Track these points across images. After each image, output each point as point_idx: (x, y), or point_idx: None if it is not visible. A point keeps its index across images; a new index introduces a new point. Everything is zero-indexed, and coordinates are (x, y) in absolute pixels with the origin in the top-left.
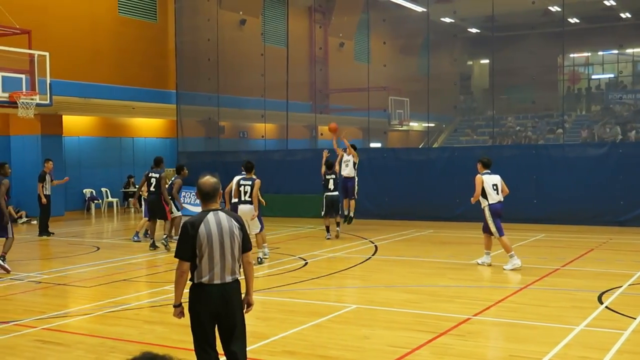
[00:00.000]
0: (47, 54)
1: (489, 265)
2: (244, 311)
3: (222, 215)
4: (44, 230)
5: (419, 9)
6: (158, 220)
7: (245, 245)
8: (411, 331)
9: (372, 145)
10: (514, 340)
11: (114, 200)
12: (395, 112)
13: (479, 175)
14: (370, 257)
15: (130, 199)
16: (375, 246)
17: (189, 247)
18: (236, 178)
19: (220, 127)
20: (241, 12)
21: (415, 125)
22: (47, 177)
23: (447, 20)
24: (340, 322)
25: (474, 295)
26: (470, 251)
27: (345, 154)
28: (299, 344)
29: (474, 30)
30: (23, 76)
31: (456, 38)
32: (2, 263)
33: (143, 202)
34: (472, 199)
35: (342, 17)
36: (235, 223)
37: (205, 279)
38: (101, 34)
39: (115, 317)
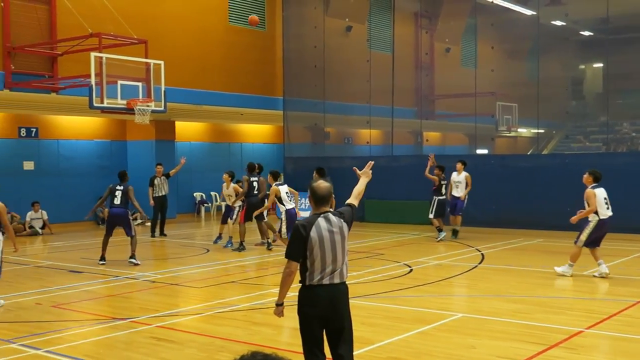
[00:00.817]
0: (162, 62)
1: (607, 275)
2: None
3: (332, 217)
4: (153, 232)
5: (529, 12)
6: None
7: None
8: (519, 342)
9: (479, 151)
10: (629, 356)
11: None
12: (503, 117)
13: (590, 189)
14: (476, 266)
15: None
16: (482, 254)
17: (299, 249)
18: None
19: (326, 133)
20: (347, 19)
21: (523, 131)
22: (156, 181)
23: (558, 23)
24: (446, 330)
25: (587, 307)
26: (582, 261)
27: (456, 174)
28: (404, 351)
29: (586, 33)
30: (140, 84)
31: (568, 41)
32: (134, 260)
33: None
34: (581, 213)
35: (448, 22)
36: (344, 224)
37: (315, 281)
38: (212, 43)
39: (224, 317)
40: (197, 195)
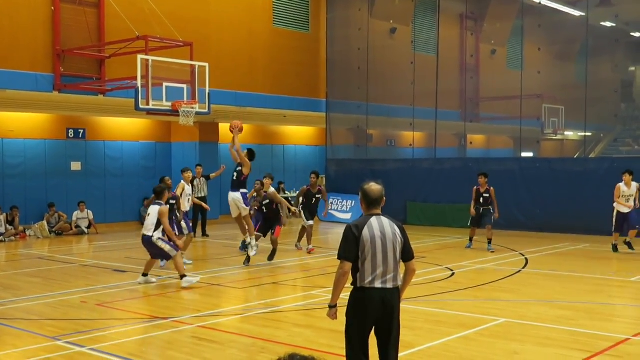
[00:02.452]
0: (206, 64)
1: None
2: None
3: (384, 220)
4: (195, 232)
5: (578, 13)
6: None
7: (409, 254)
8: (564, 349)
9: (524, 154)
10: None
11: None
12: (550, 120)
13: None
14: (520, 270)
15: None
16: (526, 259)
17: (352, 249)
18: None
19: (369, 135)
20: (392, 21)
21: (570, 134)
22: (196, 182)
23: (608, 24)
24: (489, 335)
25: (635, 314)
26: (631, 268)
27: (625, 187)
28: (445, 355)
29: (637, 35)
30: (184, 86)
31: (618, 43)
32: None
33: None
34: None
35: (494, 23)
36: (397, 229)
37: (367, 282)
38: (257, 45)
39: (265, 318)
40: None
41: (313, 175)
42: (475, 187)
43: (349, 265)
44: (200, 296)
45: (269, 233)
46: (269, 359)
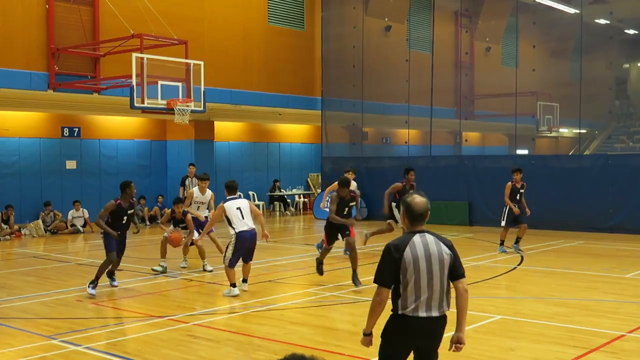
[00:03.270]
0: (201, 63)
1: None
2: (452, 349)
3: (429, 237)
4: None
5: (572, 10)
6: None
7: (457, 271)
8: (560, 345)
9: (519, 152)
10: None
11: (261, 203)
12: (544, 117)
13: None
14: (516, 267)
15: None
16: (522, 256)
17: (391, 272)
18: None
19: (364, 133)
20: (386, 19)
21: (565, 131)
22: (187, 182)
23: (602, 21)
24: (485, 332)
25: (630, 311)
26: (626, 264)
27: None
28: (441, 353)
29: (631, 32)
30: (179, 84)
31: (612, 40)
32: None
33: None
34: None
35: (489, 21)
36: (445, 247)
37: (409, 310)
38: (252, 43)
39: (261, 316)
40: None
41: (412, 172)
42: (510, 183)
43: (386, 292)
44: (196, 294)
45: (340, 237)
46: (265, 356)
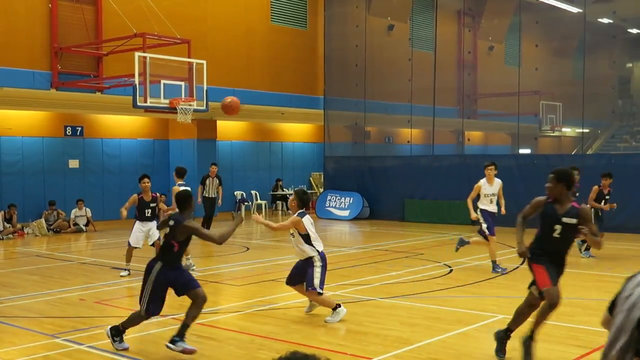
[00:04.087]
0: (204, 62)
1: None
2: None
3: None
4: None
5: (575, 9)
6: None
7: None
8: (563, 345)
9: (522, 151)
10: None
11: (263, 202)
12: (547, 117)
13: None
14: (518, 267)
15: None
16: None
17: None
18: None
19: (366, 132)
20: (389, 18)
21: (567, 130)
22: (208, 181)
23: (606, 20)
24: (487, 331)
25: None
26: (628, 264)
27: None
28: (444, 352)
29: (634, 31)
30: (182, 83)
31: (615, 39)
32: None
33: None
34: None
35: (492, 20)
36: None
37: None
38: (254, 42)
39: (264, 315)
40: (238, 194)
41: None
42: (597, 187)
43: None
44: None
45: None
46: (267, 355)
